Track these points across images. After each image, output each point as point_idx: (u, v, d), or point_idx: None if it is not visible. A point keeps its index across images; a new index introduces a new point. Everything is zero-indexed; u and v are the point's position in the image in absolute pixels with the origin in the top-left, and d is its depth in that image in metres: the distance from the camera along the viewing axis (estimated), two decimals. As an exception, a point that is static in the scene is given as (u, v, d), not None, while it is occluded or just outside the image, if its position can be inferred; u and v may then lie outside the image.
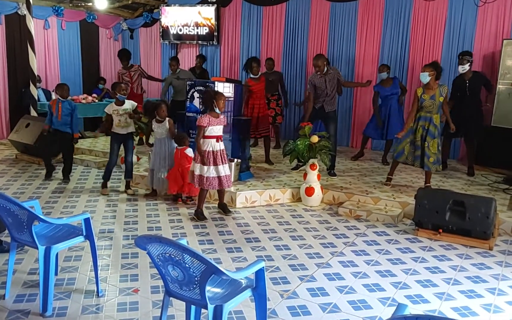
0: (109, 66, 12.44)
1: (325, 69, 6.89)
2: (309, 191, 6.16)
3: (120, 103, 6.45)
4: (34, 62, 8.82)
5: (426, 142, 6.16)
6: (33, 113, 8.89)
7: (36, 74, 8.98)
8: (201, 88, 6.61)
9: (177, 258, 2.67)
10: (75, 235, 3.72)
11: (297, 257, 4.59)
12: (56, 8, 10.88)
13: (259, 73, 7.75)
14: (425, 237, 5.23)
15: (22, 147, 8.54)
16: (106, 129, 6.56)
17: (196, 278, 2.66)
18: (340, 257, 4.65)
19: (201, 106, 5.77)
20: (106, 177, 6.67)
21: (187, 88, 6.76)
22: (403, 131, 6.42)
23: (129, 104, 6.51)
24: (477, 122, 7.39)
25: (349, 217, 5.86)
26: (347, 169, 7.71)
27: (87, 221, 3.70)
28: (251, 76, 7.70)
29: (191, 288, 2.74)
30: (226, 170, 5.53)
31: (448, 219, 5.12)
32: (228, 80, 6.77)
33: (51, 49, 11.13)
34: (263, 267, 2.92)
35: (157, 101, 6.62)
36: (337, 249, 4.83)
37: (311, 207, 6.23)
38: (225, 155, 5.57)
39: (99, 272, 3.93)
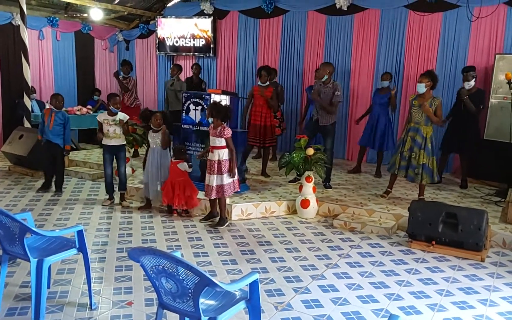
0: (104, 78, 12.42)
1: (325, 78, 6.83)
2: (305, 203, 6.17)
3: (113, 114, 6.42)
4: (28, 73, 8.72)
5: (413, 153, 6.16)
6: (27, 124, 8.81)
7: (30, 85, 8.93)
8: (197, 100, 6.62)
9: (171, 270, 2.66)
10: (68, 247, 3.69)
11: (292, 269, 4.59)
12: (51, 19, 10.87)
13: (268, 83, 7.70)
14: (418, 249, 5.24)
15: (15, 159, 8.45)
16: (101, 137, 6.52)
17: (189, 290, 2.65)
18: (334, 269, 4.64)
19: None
20: (109, 191, 6.64)
21: (183, 100, 6.77)
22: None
23: (120, 116, 6.47)
24: (472, 136, 7.42)
25: (344, 229, 5.86)
26: (342, 182, 7.72)
27: (80, 233, 3.68)
28: (259, 83, 7.68)
29: (185, 301, 2.72)
30: (210, 180, 5.61)
31: (441, 231, 5.15)
32: (224, 93, 6.79)
33: (45, 60, 11.09)
34: (257, 279, 2.91)
35: (155, 111, 6.61)
36: (332, 261, 4.83)
37: (306, 219, 6.23)
38: (215, 167, 5.59)
39: (92, 284, 3.91)
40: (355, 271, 4.59)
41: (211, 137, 5.65)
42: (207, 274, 2.58)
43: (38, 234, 3.57)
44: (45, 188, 7.21)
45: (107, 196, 6.68)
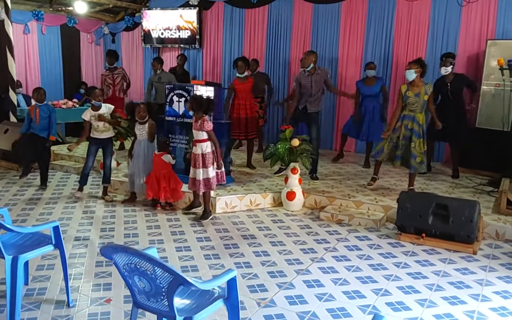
0: (90, 71, 12.25)
1: (311, 66, 6.72)
2: (290, 195, 6.05)
3: (96, 108, 6.33)
4: (13, 68, 8.67)
5: (412, 143, 6.07)
6: (13, 119, 8.70)
7: (15, 80, 8.80)
8: (180, 91, 6.48)
9: (143, 269, 2.55)
10: (45, 244, 3.59)
11: (276, 264, 4.48)
12: (36, 13, 10.69)
13: (246, 74, 7.58)
14: (407, 242, 5.14)
15: (0, 153, 8.33)
16: (87, 134, 6.42)
17: (163, 290, 2.54)
18: (320, 263, 4.53)
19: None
20: (83, 182, 6.52)
21: (166, 91, 6.63)
22: (388, 131, 6.33)
23: (105, 108, 6.40)
24: (461, 124, 7.30)
25: (331, 222, 5.75)
26: (329, 173, 7.61)
27: (56, 229, 3.57)
28: (237, 75, 7.55)
29: (159, 300, 2.61)
30: (196, 174, 5.55)
31: (431, 223, 5.04)
32: (207, 84, 6.65)
33: (31, 54, 10.96)
34: (235, 277, 2.80)
35: (138, 102, 6.50)
36: (318, 255, 4.72)
37: (292, 211, 6.12)
38: (200, 160, 5.51)
39: (71, 281, 3.83)
40: (341, 266, 4.48)
41: (193, 131, 5.57)
42: (180, 273, 2.47)
43: (11, 230, 3.49)
44: (25, 174, 7.16)
45: (77, 187, 6.55)
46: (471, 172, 7.63)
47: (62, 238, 3.59)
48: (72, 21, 11.51)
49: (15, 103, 8.82)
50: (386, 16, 8.89)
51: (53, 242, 3.57)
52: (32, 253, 3.48)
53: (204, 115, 5.49)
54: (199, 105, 5.45)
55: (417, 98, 6.03)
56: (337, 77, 9.45)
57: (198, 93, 6.30)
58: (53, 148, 8.95)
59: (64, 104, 9.73)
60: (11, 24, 8.58)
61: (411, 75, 6.02)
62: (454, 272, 4.43)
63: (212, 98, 5.86)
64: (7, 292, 3.30)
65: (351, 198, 6.15)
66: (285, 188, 6.16)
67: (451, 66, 7.10)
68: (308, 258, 4.62)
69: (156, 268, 2.50)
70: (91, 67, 12.27)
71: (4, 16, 8.63)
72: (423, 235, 5.06)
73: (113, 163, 7.62)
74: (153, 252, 3.11)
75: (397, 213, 5.26)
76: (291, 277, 4.20)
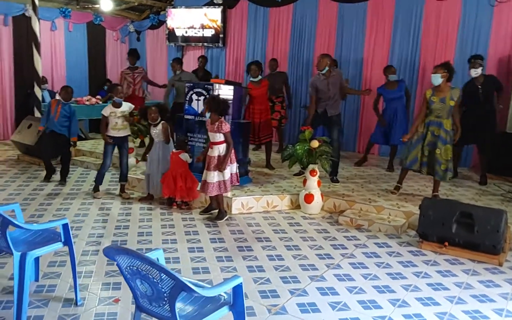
0: (115, 68, 12.28)
1: (326, 69, 6.56)
2: (308, 198, 5.90)
3: (117, 105, 6.31)
4: (39, 64, 8.76)
5: (438, 149, 5.84)
6: (37, 114, 8.79)
7: (41, 76, 8.89)
8: (199, 90, 6.40)
9: (145, 272, 2.46)
10: (55, 241, 3.56)
11: (290, 269, 4.34)
12: (63, 10, 10.81)
13: (259, 77, 7.49)
14: (429, 250, 4.92)
15: (24, 148, 8.45)
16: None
17: (165, 294, 2.45)
18: (336, 269, 4.38)
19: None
20: (99, 181, 6.52)
21: (186, 90, 6.56)
22: (408, 134, 6.13)
23: (126, 107, 6.38)
24: (491, 128, 7.03)
25: (350, 227, 5.58)
26: (351, 175, 7.42)
27: (65, 226, 3.54)
28: (251, 79, 7.47)
29: (161, 305, 2.53)
30: (209, 176, 5.44)
31: (454, 231, 4.82)
32: (228, 82, 6.56)
33: (57, 50, 11.05)
34: (241, 283, 2.68)
35: (150, 104, 6.46)
36: (334, 261, 4.56)
37: (310, 215, 5.96)
38: (215, 162, 5.41)
39: (81, 279, 3.79)
40: (358, 273, 4.31)
41: (209, 133, 5.47)
42: (182, 278, 2.38)
43: (20, 227, 3.47)
44: (49, 176, 7.15)
45: (95, 188, 6.51)
46: (499, 179, 7.32)
47: (71, 235, 3.55)
48: (98, 18, 11.58)
49: (40, 98, 8.91)
50: (414, 16, 8.64)
51: (62, 240, 3.53)
52: (41, 250, 3.45)
53: (220, 116, 5.39)
54: (217, 105, 5.36)
55: (442, 103, 5.80)
56: (361, 79, 9.24)
57: (218, 92, 6.22)
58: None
59: (87, 100, 9.78)
60: (38, 21, 8.67)
61: (437, 79, 5.78)
62: (478, 284, 4.21)
63: (227, 100, 5.73)
64: (14, 288, 3.27)
65: (371, 203, 5.95)
66: (303, 190, 6.01)
67: (481, 67, 6.83)
68: (323, 264, 4.47)
69: (157, 272, 2.42)
70: (116, 64, 12.32)
71: (31, 13, 8.73)
72: (446, 244, 4.83)
73: (133, 160, 7.65)
74: (159, 254, 3.03)
75: (419, 220, 5.05)
76: (304, 283, 4.06)
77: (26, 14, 9.95)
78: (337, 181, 6.84)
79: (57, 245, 3.54)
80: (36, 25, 8.61)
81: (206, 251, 4.66)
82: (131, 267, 2.51)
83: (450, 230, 4.82)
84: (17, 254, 3.28)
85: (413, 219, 5.52)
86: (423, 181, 7.07)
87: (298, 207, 6.17)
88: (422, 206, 5.06)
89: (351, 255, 4.73)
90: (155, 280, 2.45)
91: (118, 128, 6.30)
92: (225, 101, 5.56)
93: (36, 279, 3.90)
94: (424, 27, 8.56)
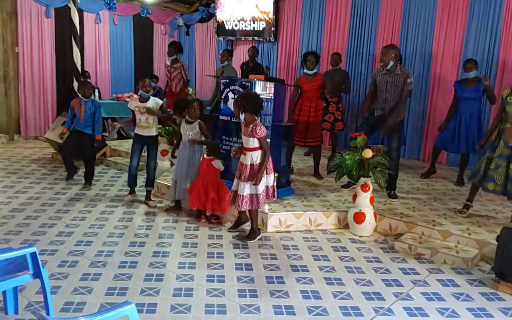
0: (163, 64, 11.75)
1: (391, 65, 5.57)
2: (359, 217, 4.95)
3: (144, 100, 5.71)
4: (78, 57, 8.37)
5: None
6: (74, 110, 8.40)
7: (80, 70, 8.48)
8: (236, 87, 5.61)
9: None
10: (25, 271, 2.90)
11: (328, 312, 3.43)
12: (108, 2, 10.34)
13: (315, 70, 6.56)
14: (508, 294, 3.86)
15: (57, 146, 8.02)
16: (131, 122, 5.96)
17: None
18: (386, 317, 3.43)
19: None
20: (131, 184, 5.96)
21: (221, 87, 5.80)
22: (483, 141, 5.21)
23: (152, 102, 5.75)
24: None
25: (408, 255, 4.56)
26: (412, 189, 6.35)
27: (33, 256, 2.83)
28: (305, 71, 6.56)
29: None
30: (240, 188, 4.63)
31: (544, 271, 3.74)
32: (267, 79, 5.73)
33: (102, 44, 10.69)
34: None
35: (191, 99, 5.78)
36: (384, 304, 3.60)
37: (360, 237, 5.00)
38: (247, 172, 4.60)
39: (70, 313, 3.11)
40: (415, 322, 3.36)
41: (243, 137, 4.66)
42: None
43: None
44: (69, 177, 6.67)
45: (130, 191, 5.99)
46: None
47: (41, 265, 2.85)
48: (145, 11, 11.07)
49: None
50: (492, 4, 7.41)
51: (31, 272, 2.84)
52: (4, 284, 2.82)
53: (256, 116, 4.57)
54: (250, 103, 4.54)
55: None
56: (429, 77, 8.12)
57: (256, 90, 5.41)
58: (110, 143, 8.57)
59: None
60: (78, 13, 8.27)
61: None
62: None
63: (261, 96, 4.89)
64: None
65: (436, 226, 4.90)
66: (353, 207, 5.06)
67: None
68: (370, 307, 3.54)
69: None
70: (164, 59, 11.81)
71: (70, 4, 8.33)
72: (532, 287, 3.77)
73: (167, 164, 7.02)
74: (129, 312, 2.27)
75: (495, 255, 3.99)
76: (343, 336, 3.16)
77: (69, 6, 9.60)
78: (395, 197, 5.80)
79: (24, 279, 2.91)
80: (75, 17, 8.22)
81: (227, 282, 3.84)
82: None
83: (538, 270, 3.75)
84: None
85: (488, 250, 4.46)
86: (501, 200, 5.88)
87: (346, 226, 5.22)
88: (501, 237, 3.99)
89: (407, 296, 3.75)
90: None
91: (142, 125, 5.71)
92: (258, 95, 4.74)
93: (16, 311, 3.24)
94: (505, 18, 7.31)
